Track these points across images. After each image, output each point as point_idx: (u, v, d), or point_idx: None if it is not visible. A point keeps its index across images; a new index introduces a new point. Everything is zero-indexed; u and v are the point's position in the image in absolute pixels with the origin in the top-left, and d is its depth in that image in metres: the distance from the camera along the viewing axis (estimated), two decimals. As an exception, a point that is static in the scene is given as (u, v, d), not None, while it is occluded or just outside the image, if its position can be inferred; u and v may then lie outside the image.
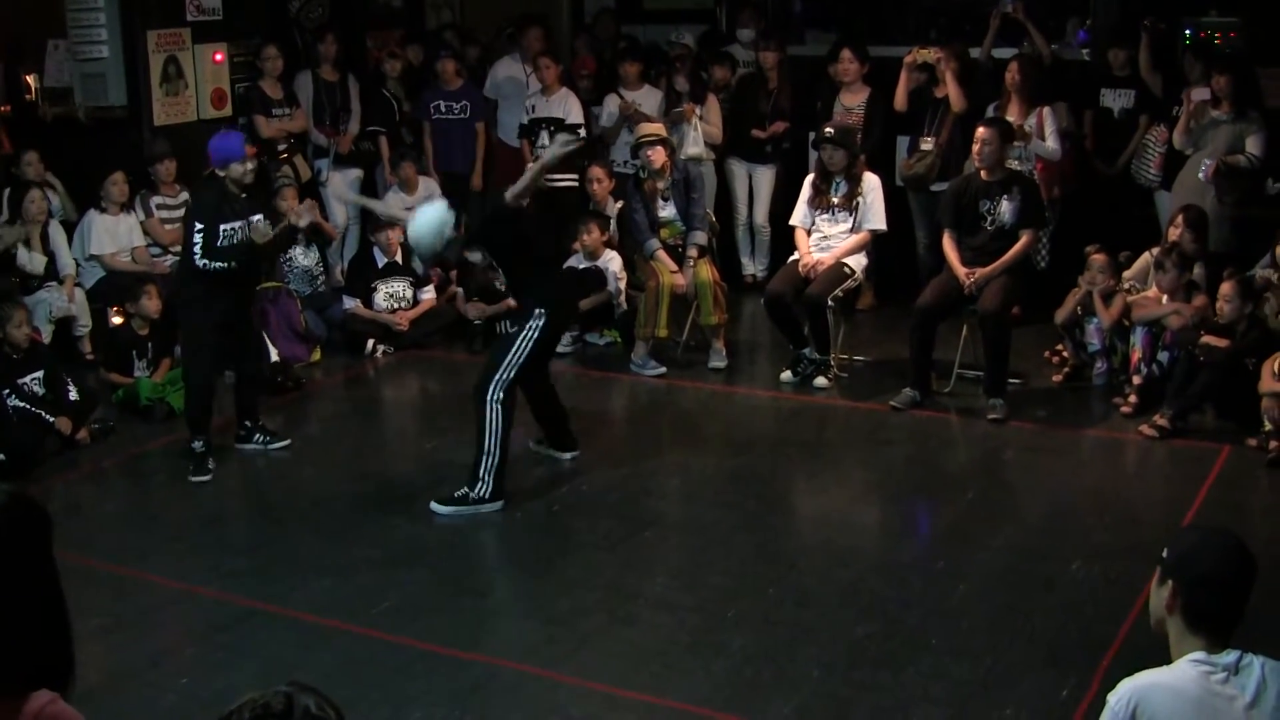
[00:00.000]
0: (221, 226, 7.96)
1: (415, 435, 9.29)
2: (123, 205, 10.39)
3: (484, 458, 7.41)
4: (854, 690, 5.58)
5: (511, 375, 7.47)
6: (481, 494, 7.42)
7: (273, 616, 6.31)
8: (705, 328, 10.00)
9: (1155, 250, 9.20)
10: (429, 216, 7.70)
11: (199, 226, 7.95)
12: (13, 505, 2.78)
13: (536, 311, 7.57)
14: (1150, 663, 3.39)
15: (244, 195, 8.14)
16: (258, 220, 8.16)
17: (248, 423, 8.60)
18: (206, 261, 7.91)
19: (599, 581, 6.66)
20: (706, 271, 9.91)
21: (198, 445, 8.13)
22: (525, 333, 7.54)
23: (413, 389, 10.27)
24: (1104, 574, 6.57)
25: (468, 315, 10.53)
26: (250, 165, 8.16)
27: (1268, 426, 7.97)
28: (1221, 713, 3.19)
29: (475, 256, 7.64)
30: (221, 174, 8.06)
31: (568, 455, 8.22)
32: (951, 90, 10.58)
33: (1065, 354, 9.53)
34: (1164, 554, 3.38)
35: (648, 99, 11.48)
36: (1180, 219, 9.23)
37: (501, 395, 7.42)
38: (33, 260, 9.88)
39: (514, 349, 7.52)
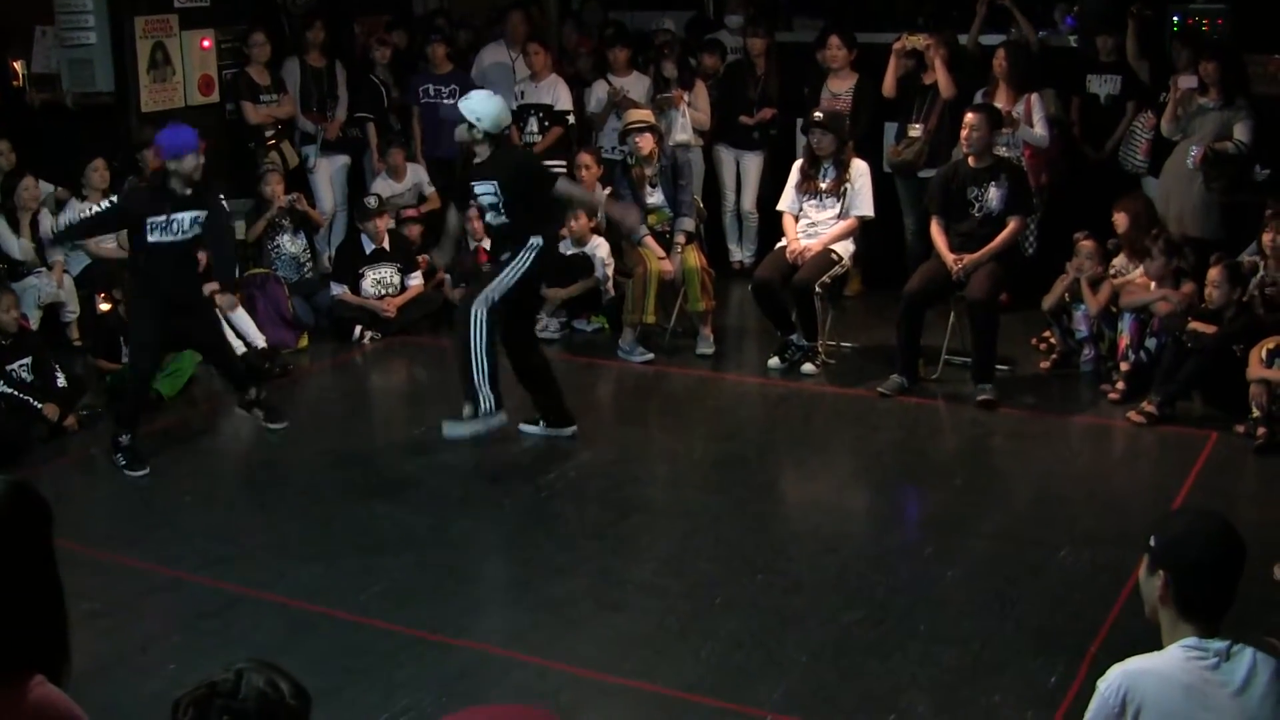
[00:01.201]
0: (149, 220, 7.84)
1: (403, 421, 9.28)
2: (104, 192, 10.33)
3: (474, 371, 7.68)
4: (842, 676, 5.59)
5: (497, 297, 7.72)
6: (487, 408, 7.68)
7: (260, 603, 6.31)
8: (693, 314, 10.00)
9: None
10: (493, 101, 7.96)
11: (104, 204, 8.25)
12: (14, 494, 2.80)
13: (532, 242, 7.81)
14: (1139, 648, 3.39)
15: (189, 192, 7.92)
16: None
17: (247, 397, 8.55)
18: (54, 235, 8.55)
19: (587, 567, 6.67)
20: (694, 258, 9.90)
21: (124, 439, 7.98)
22: (519, 258, 7.80)
23: (400, 375, 10.27)
24: (1092, 560, 6.58)
25: (455, 301, 10.52)
26: (201, 160, 7.99)
27: (1255, 413, 7.99)
28: (1211, 699, 3.19)
29: (484, 190, 7.90)
30: (173, 167, 7.89)
31: (567, 431, 8.27)
32: (941, 77, 10.57)
33: (1052, 340, 9.55)
34: (1151, 542, 3.36)
35: (636, 85, 11.47)
36: (1116, 211, 9.39)
37: (485, 310, 7.67)
38: (21, 247, 9.86)
39: (506, 272, 7.79)
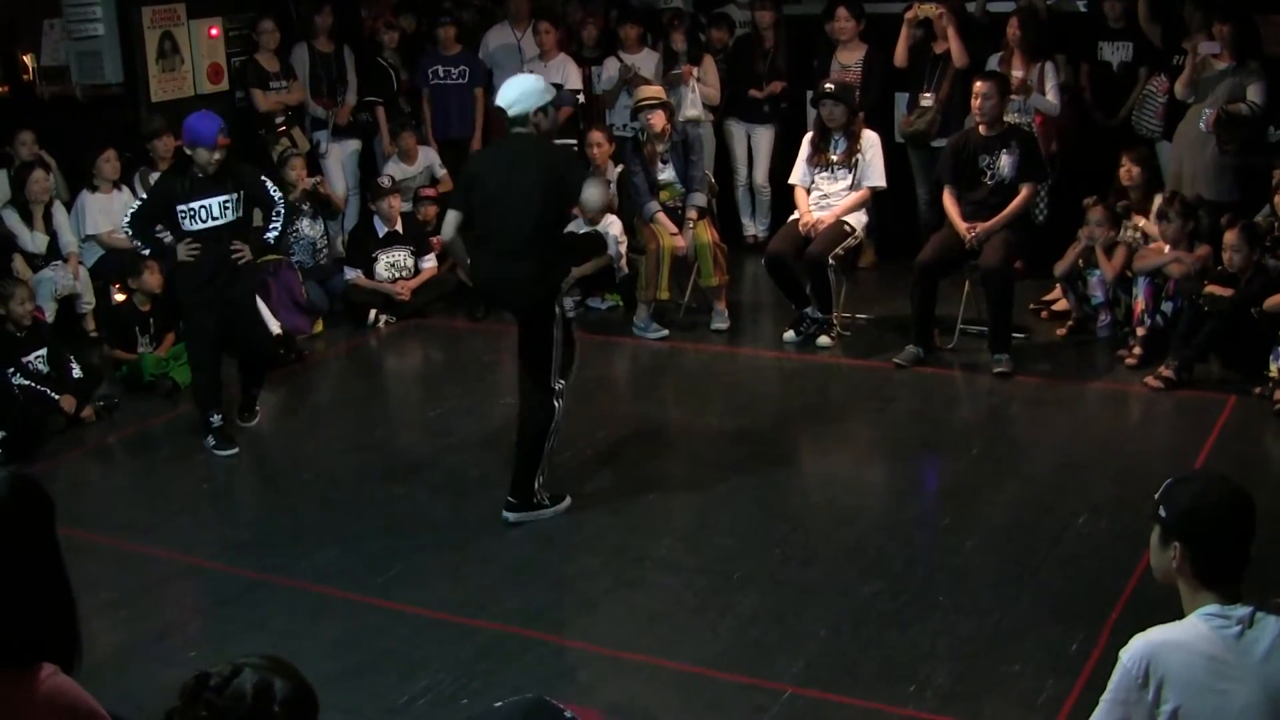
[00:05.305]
0: (178, 207, 7.79)
1: (418, 404, 9.29)
2: (115, 182, 10.36)
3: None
4: (861, 648, 5.58)
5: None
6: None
7: (279, 588, 6.32)
8: (706, 289, 9.98)
9: (1159, 199, 9.18)
10: (525, 82, 6.94)
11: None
12: (14, 487, 2.81)
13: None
14: (1159, 614, 3.36)
15: (202, 177, 7.84)
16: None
17: (250, 394, 8.45)
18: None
19: (604, 545, 6.67)
20: (706, 233, 9.87)
21: (214, 420, 8.01)
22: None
23: (415, 358, 10.26)
24: (1111, 527, 6.57)
25: (469, 283, 10.50)
26: (217, 157, 7.78)
27: (1273, 374, 7.95)
28: (1235, 667, 3.16)
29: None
30: (189, 153, 7.87)
31: None
32: (953, 45, 10.50)
33: (1055, 307, 9.55)
34: (1161, 512, 3.31)
35: (646, 62, 11.43)
36: (1126, 159, 9.52)
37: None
38: (34, 240, 9.88)
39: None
